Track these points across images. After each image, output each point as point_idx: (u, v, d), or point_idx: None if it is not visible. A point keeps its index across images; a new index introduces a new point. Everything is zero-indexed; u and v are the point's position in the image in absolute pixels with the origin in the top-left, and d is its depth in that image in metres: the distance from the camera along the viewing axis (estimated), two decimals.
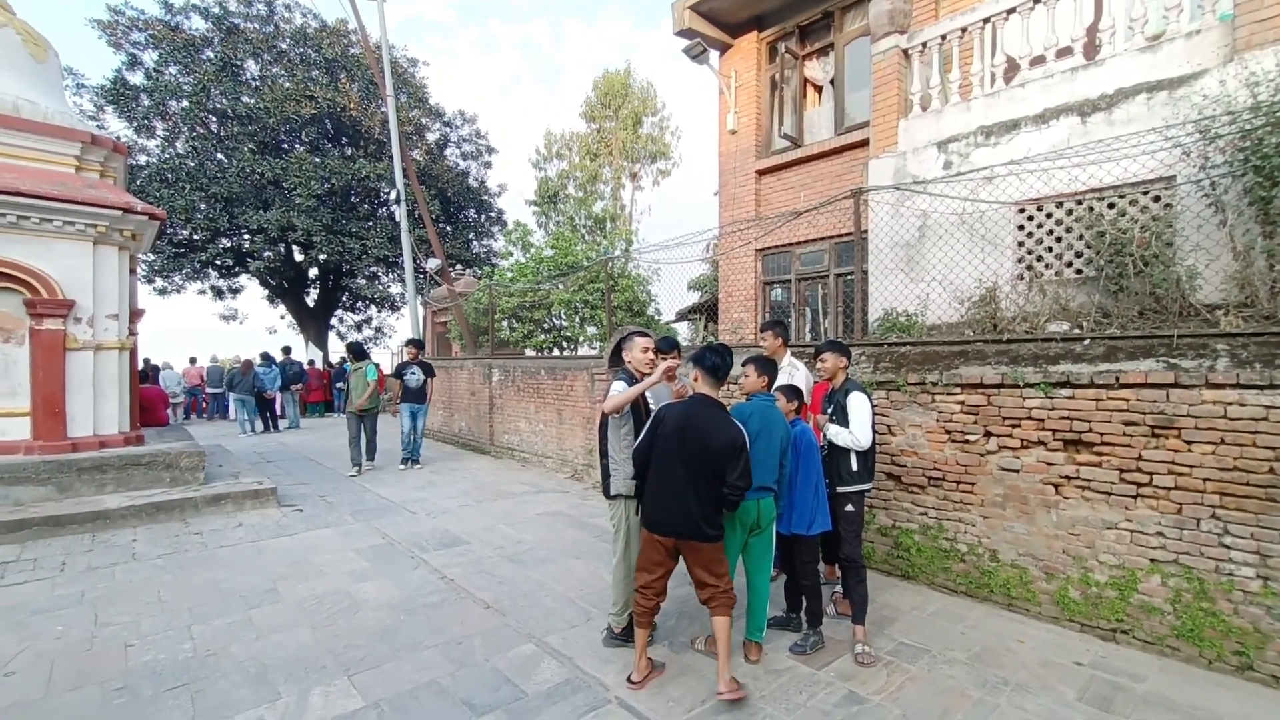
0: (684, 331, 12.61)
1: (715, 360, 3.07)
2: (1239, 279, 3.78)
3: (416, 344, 9.36)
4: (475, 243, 22.67)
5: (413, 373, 8.84)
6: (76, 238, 6.33)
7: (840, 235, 7.35)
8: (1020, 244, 5.24)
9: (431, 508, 6.67)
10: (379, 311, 23.61)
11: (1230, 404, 3.21)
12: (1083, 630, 3.69)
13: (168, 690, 3.03)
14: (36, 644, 3.49)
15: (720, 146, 9.34)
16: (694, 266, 10.09)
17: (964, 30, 5.86)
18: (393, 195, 13.54)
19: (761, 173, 8.75)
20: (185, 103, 17.05)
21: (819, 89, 8.62)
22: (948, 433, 4.33)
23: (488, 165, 23.32)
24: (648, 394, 4.58)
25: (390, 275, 21.51)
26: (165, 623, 3.79)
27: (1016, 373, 3.99)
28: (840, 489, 3.55)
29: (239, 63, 17.71)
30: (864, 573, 3.55)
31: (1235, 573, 3.20)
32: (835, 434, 3.57)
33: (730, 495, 2.97)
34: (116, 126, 16.80)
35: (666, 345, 4.37)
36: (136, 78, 16.98)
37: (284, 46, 18.56)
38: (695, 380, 3.12)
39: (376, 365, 8.95)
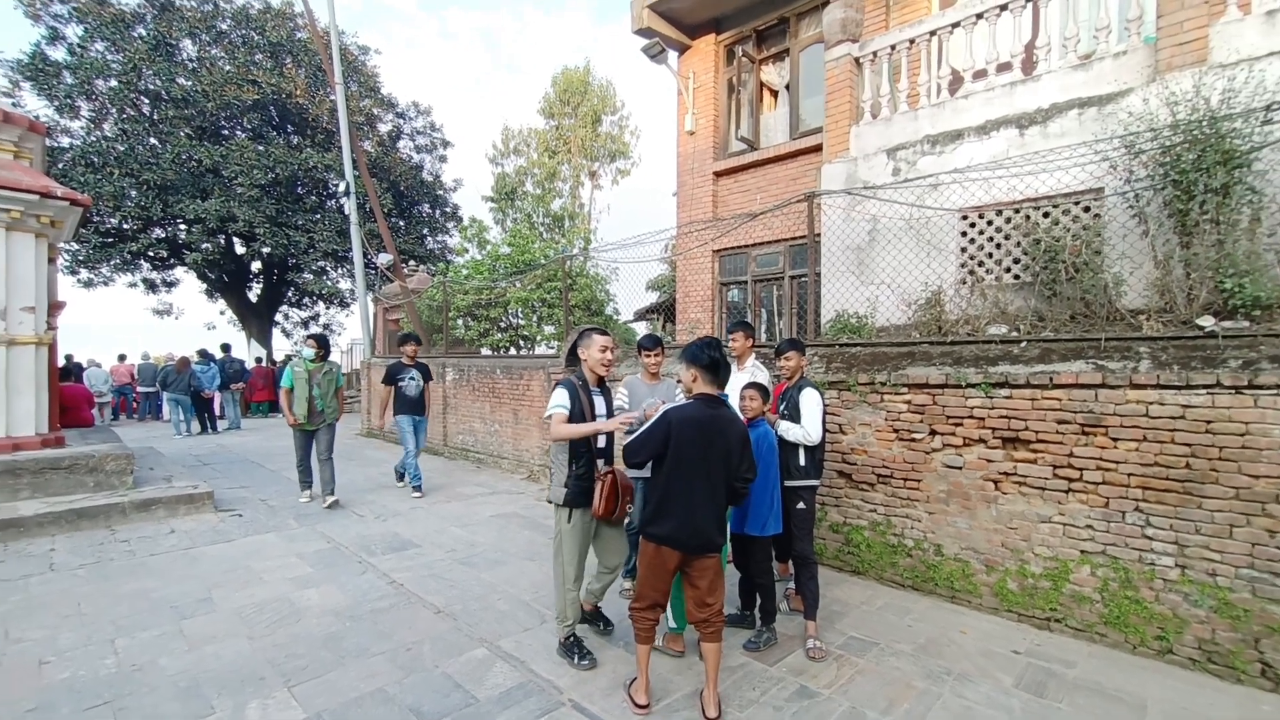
0: (641, 330, 12.62)
1: (715, 355, 2.86)
2: (1159, 286, 4.03)
3: (414, 340, 7.51)
4: (430, 238, 22.12)
5: (410, 377, 7.20)
6: None
7: (795, 238, 7.49)
8: (963, 249, 5.45)
9: (381, 510, 6.47)
10: (327, 308, 22.78)
11: (1151, 403, 3.42)
12: (1020, 620, 3.87)
13: (88, 709, 2.83)
14: None
15: (679, 147, 9.39)
16: (652, 266, 10.12)
17: (912, 42, 6.06)
18: (342, 187, 13.06)
19: (719, 174, 8.84)
20: (114, 82, 16.01)
21: (775, 93, 8.77)
22: (895, 431, 4.47)
23: (443, 159, 22.80)
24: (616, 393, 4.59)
25: (339, 270, 20.78)
26: (86, 636, 3.54)
27: (959, 373, 4.14)
28: (788, 483, 3.60)
29: (174, 42, 16.74)
30: (816, 569, 3.62)
31: (1156, 562, 3.41)
32: (786, 429, 3.63)
33: (741, 489, 2.90)
34: (35, 105, 15.66)
35: (651, 343, 4.22)
36: (58, 53, 15.85)
37: (224, 27, 17.66)
38: (694, 380, 2.90)
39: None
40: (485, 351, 12.99)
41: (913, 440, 4.38)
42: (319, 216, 18.54)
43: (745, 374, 4.31)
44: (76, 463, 5.99)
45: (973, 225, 5.41)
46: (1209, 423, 3.24)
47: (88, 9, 15.73)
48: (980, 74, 5.76)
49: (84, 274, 17.16)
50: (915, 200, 5.39)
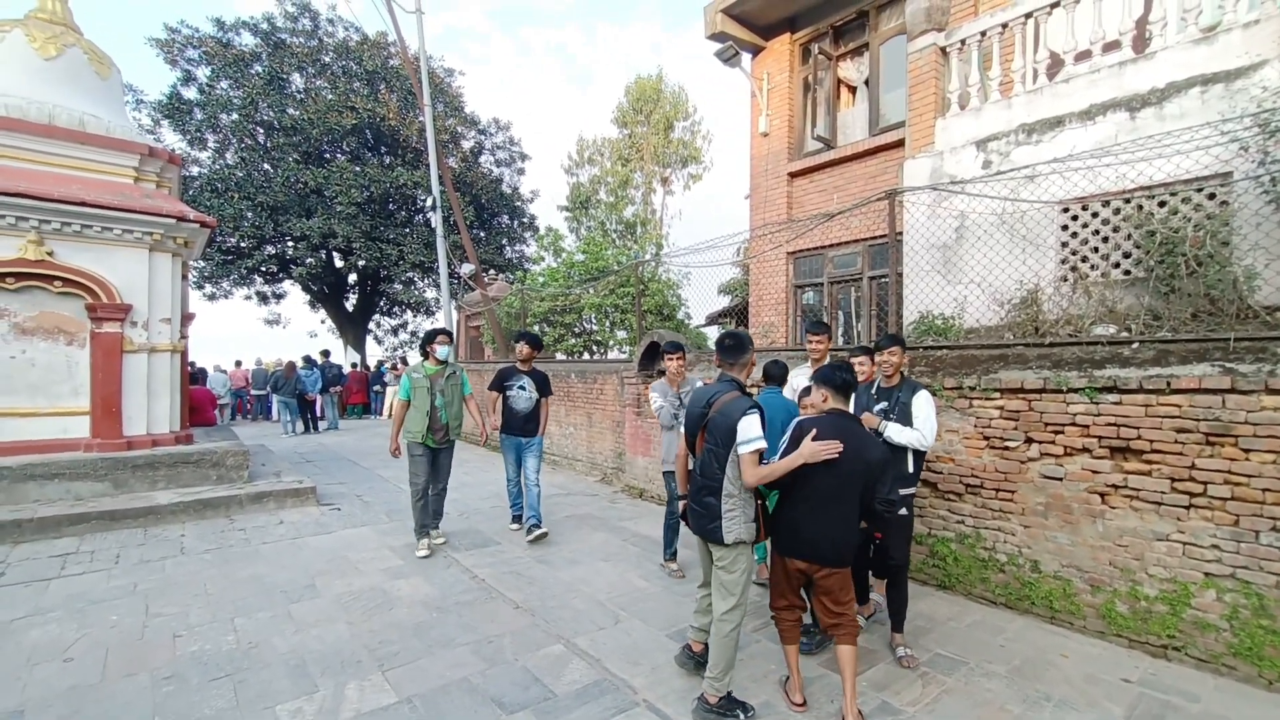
0: (713, 335, 12.54)
1: (846, 377, 2.89)
2: None
3: (529, 340, 5.74)
4: (508, 248, 23.01)
5: (521, 386, 5.59)
6: (134, 245, 6.67)
7: (874, 237, 7.23)
8: (1064, 244, 5.06)
9: (464, 508, 6.78)
10: (414, 316, 24.16)
11: None
12: (1131, 646, 3.53)
13: (212, 680, 3.15)
14: (93, 632, 3.66)
15: (752, 149, 9.29)
16: (724, 270, 10.04)
17: (1005, 26, 5.71)
18: (429, 202, 13.86)
19: (793, 175, 8.67)
20: (235, 115, 17.80)
21: (853, 90, 8.51)
22: (986, 439, 4.21)
23: (521, 172, 23.69)
24: (664, 397, 4.69)
25: (426, 280, 21.99)
26: (211, 615, 3.94)
27: (1060, 377, 3.85)
28: (899, 491, 3.47)
29: (285, 76, 18.42)
30: (907, 577, 3.51)
31: None
32: (897, 433, 3.46)
33: (885, 510, 2.89)
34: (171, 139, 17.66)
35: (673, 348, 4.59)
36: (190, 93, 17.82)
37: (327, 60, 19.22)
38: (825, 400, 2.91)
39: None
40: (560, 356, 13.34)
41: (1005, 449, 4.11)
42: (408, 230, 19.75)
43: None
44: (203, 458, 6.68)
45: (1075, 218, 5.01)
46: None
47: (215, 52, 17.60)
48: (1083, 55, 5.34)
49: (208, 288, 19.13)
50: (1009, 193, 5.06)
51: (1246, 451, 3.17)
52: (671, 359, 4.80)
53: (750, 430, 2.70)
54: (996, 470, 4.15)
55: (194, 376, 13.21)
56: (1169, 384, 3.42)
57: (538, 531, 5.49)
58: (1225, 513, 3.24)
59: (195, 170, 17.73)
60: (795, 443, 2.78)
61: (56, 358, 6.35)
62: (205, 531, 5.73)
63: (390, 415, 17.34)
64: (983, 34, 5.87)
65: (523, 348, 5.72)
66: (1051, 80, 5.44)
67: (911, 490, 3.55)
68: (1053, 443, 3.88)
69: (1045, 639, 3.67)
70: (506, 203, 22.64)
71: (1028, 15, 5.51)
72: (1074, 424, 3.79)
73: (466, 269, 14.26)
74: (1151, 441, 3.47)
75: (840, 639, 2.84)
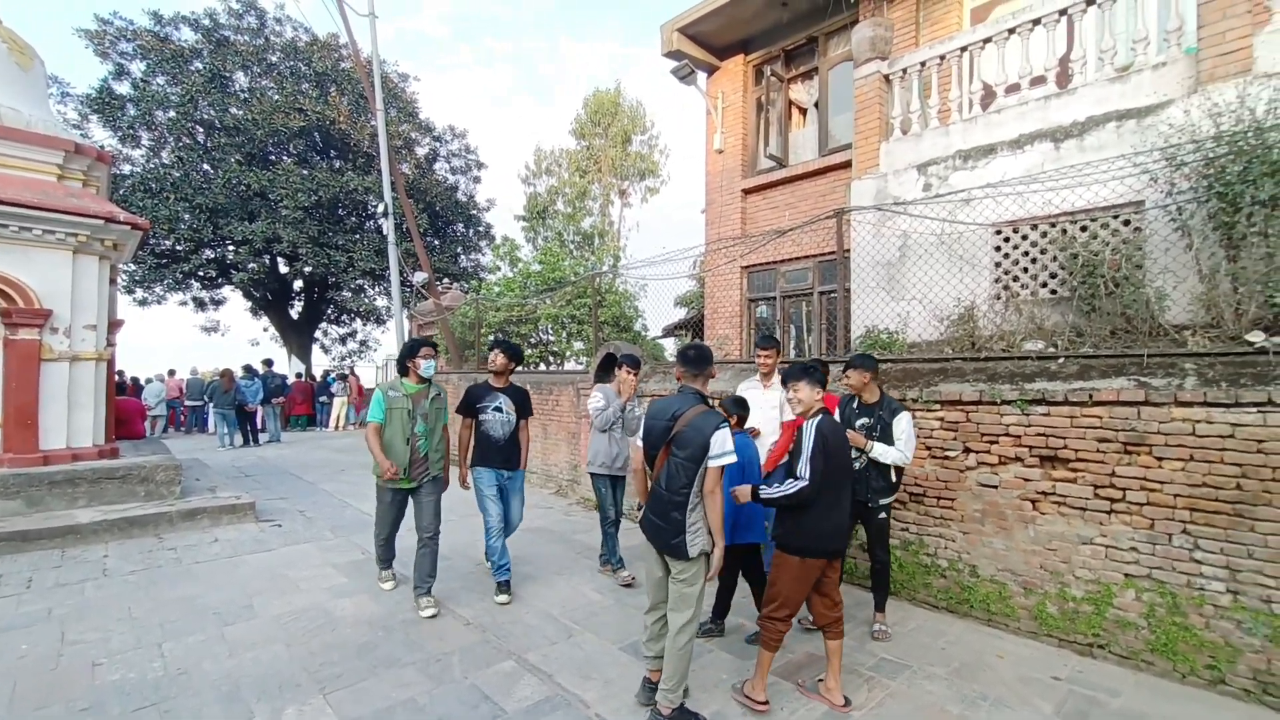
0: (670, 347, 12.66)
1: (823, 375, 3.15)
2: (1205, 300, 3.90)
3: (505, 350, 4.65)
4: (463, 257, 22.65)
5: (496, 407, 4.55)
6: (56, 247, 6.26)
7: (824, 254, 7.47)
8: (997, 264, 5.36)
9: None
10: (364, 325, 23.43)
11: (1198, 421, 3.30)
12: (1060, 645, 3.73)
13: (135, 710, 2.96)
14: None
15: (707, 165, 9.48)
16: (681, 283, 10.17)
17: (942, 58, 6.04)
18: (381, 208, 13.53)
19: (747, 191, 8.89)
20: (172, 113, 16.96)
21: (804, 111, 8.81)
22: (928, 449, 4.39)
23: (477, 180, 23.40)
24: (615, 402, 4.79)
25: (377, 288, 21.39)
26: (135, 640, 3.70)
27: (994, 390, 4.06)
28: (882, 500, 3.84)
29: (228, 75, 17.69)
30: (889, 570, 3.99)
31: (1206, 587, 3.26)
32: (883, 453, 3.76)
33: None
34: (101, 136, 16.67)
35: (630, 361, 4.75)
36: (123, 87, 16.88)
37: (274, 59, 18.58)
38: (819, 399, 3.06)
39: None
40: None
41: (946, 458, 4.29)
42: (358, 237, 19.19)
43: (773, 391, 4.30)
44: (129, 473, 6.28)
45: (1007, 240, 5.32)
46: (1261, 442, 3.11)
47: (150, 46, 16.76)
48: (1013, 88, 5.70)
49: (139, 293, 18.05)
50: (947, 215, 5.34)
51: (1160, 459, 3.42)
52: (629, 373, 4.83)
53: (724, 444, 2.75)
54: (938, 479, 4.33)
55: (121, 386, 12.42)
56: (1091, 396, 3.66)
57: (506, 596, 4.42)
58: (1142, 517, 3.48)
59: (127, 169, 16.77)
60: (825, 450, 2.91)
61: None
62: (130, 551, 5.38)
63: (338, 428, 16.72)
64: (922, 64, 6.20)
65: (497, 358, 4.60)
66: (985, 110, 5.79)
67: (892, 499, 3.90)
68: (988, 452, 4.09)
69: (983, 641, 3.84)
70: (462, 211, 22.31)
71: (963, 49, 5.85)
72: (1007, 434, 4.00)
73: (419, 277, 13.97)
74: (1077, 451, 3.70)
75: (832, 635, 3.08)
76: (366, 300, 21.43)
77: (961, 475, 4.21)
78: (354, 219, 19.91)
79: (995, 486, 4.05)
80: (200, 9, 17.84)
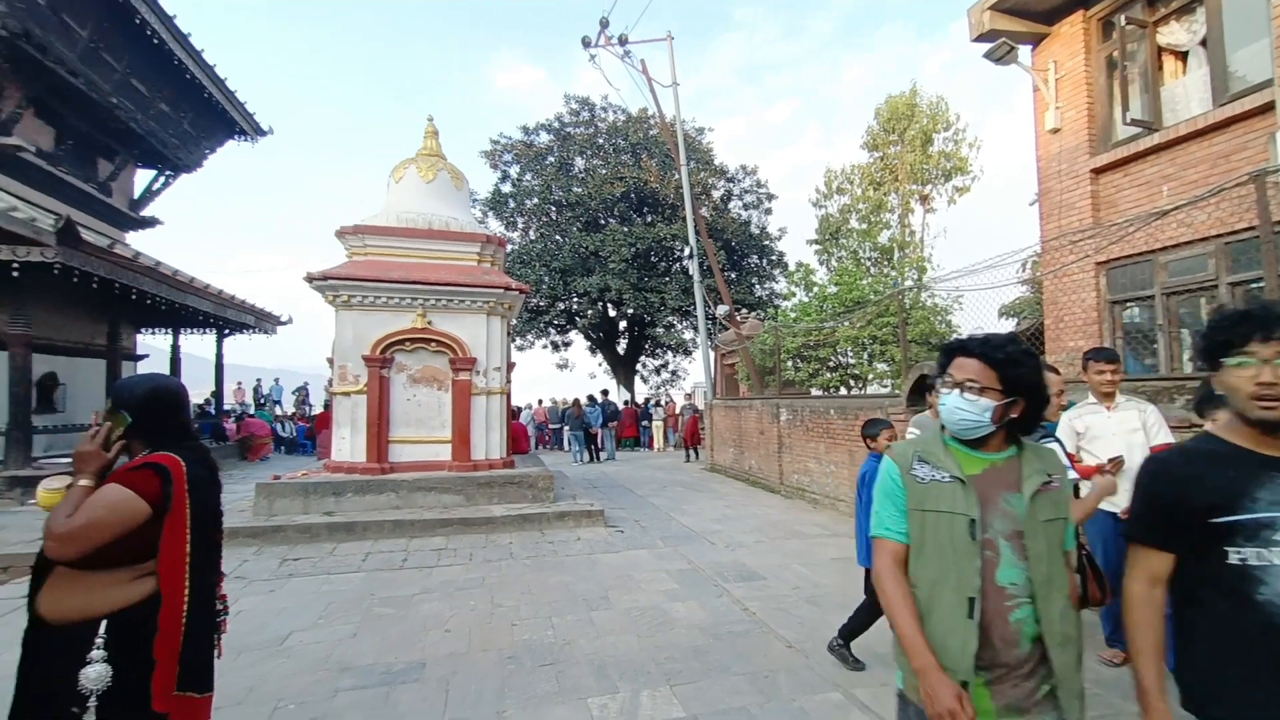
0: None
1: None
2: None
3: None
4: (758, 286, 23.57)
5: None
6: (476, 311, 8.69)
7: (1232, 233, 5.63)
8: None
9: (729, 540, 7.04)
10: (674, 356, 26.10)
11: None
12: None
13: (541, 665, 3.85)
14: (460, 613, 4.77)
15: (1038, 149, 8.08)
16: (1004, 291, 8.81)
17: None
18: (687, 251, 15.07)
19: (1099, 171, 7.27)
20: (535, 200, 21.96)
21: (1181, 57, 6.86)
22: None
23: (768, 212, 24.26)
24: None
25: (684, 323, 23.69)
26: (534, 611, 4.81)
27: None
28: None
29: (570, 161, 22.18)
30: None
31: None
32: None
33: None
34: (495, 226, 22.51)
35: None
36: (505, 187, 22.58)
37: (601, 141, 22.58)
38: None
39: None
40: (815, 391, 13.04)
41: None
42: (667, 279, 21.70)
43: (1122, 411, 3.51)
44: (522, 480, 8.21)
45: None
46: None
47: (521, 152, 22.12)
48: None
49: (518, 341, 23.54)
50: None
51: None
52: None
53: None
54: None
55: (513, 413, 16.31)
56: None
57: None
58: None
59: (510, 247, 22.26)
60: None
61: (432, 399, 8.54)
62: (525, 541, 7.01)
63: (659, 449, 18.92)
64: None
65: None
66: None
67: None
68: None
69: None
70: (755, 243, 23.34)
71: None
72: None
73: (721, 310, 15.04)
74: None
75: None
76: (676, 334, 23.89)
77: None
78: (663, 264, 22.59)
79: None
80: (551, 114, 22.84)
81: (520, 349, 23.63)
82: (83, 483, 1.68)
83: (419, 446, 8.41)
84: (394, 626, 4.49)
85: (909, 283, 14.48)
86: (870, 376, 12.76)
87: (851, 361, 13.03)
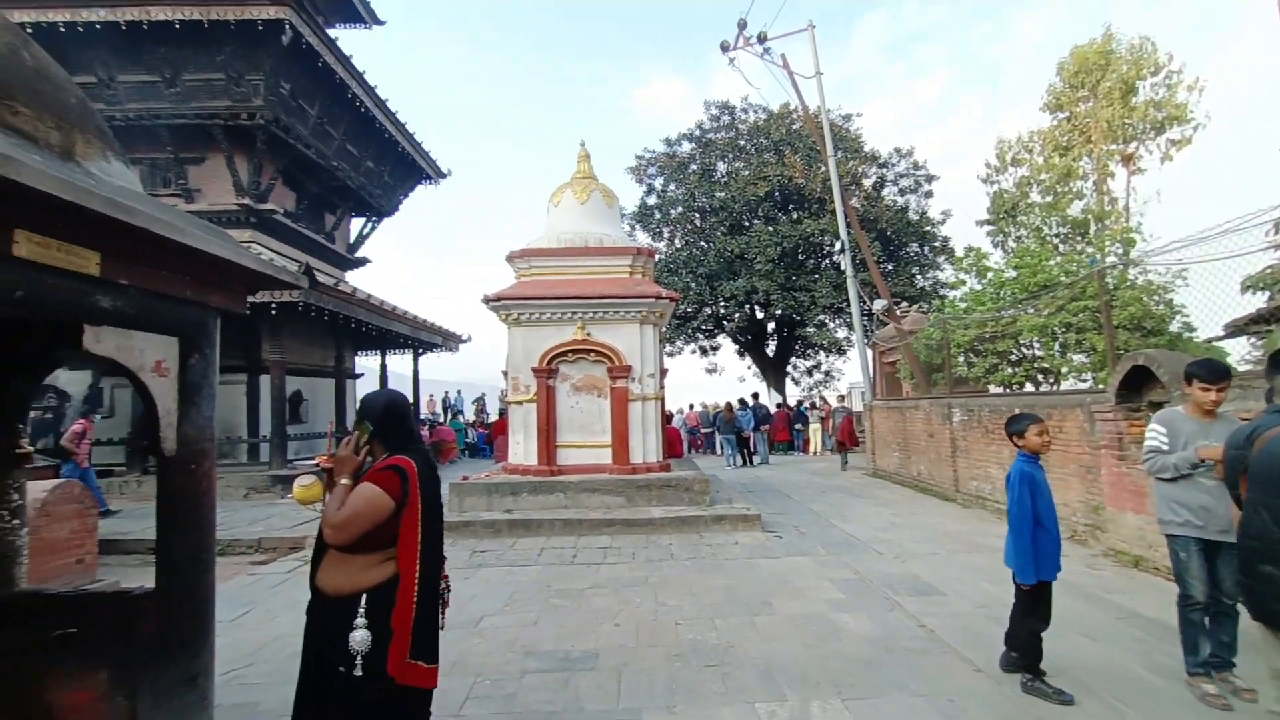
0: (1239, 350, 9.01)
1: None
2: None
3: None
4: (919, 276, 21.72)
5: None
6: (630, 321, 9.10)
7: None
8: None
9: (899, 550, 6.61)
10: (827, 356, 24.96)
11: None
12: None
13: (706, 666, 3.93)
14: (626, 608, 5.04)
15: None
16: (1246, 262, 7.26)
17: None
18: (837, 246, 14.41)
19: None
20: (680, 208, 22.39)
21: None
22: None
23: (928, 195, 22.31)
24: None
25: (837, 321, 22.58)
26: (697, 611, 4.92)
27: None
28: None
29: (712, 166, 22.29)
30: None
31: None
32: None
33: None
34: (643, 238, 23.35)
35: (1209, 372, 3.43)
36: (651, 199, 23.30)
37: (742, 143, 22.39)
38: None
39: None
40: (993, 389, 11.71)
41: None
42: (817, 276, 20.84)
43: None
44: (678, 483, 8.43)
45: None
46: None
47: (664, 164, 22.70)
48: None
49: (668, 348, 24.10)
50: None
51: None
52: (1204, 389, 3.45)
53: None
54: None
55: (666, 418, 16.74)
56: None
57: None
58: None
59: (657, 258, 22.95)
60: None
61: (592, 406, 9.09)
62: (684, 543, 7.18)
63: (815, 453, 18.23)
64: None
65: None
66: None
67: None
68: None
69: None
70: (914, 230, 21.56)
71: None
72: None
73: (878, 304, 14.12)
74: None
75: None
76: (828, 333, 22.84)
77: None
78: (812, 261, 21.75)
79: None
80: (692, 123, 23.16)
81: (670, 355, 24.15)
82: (344, 482, 2.10)
83: (583, 450, 8.99)
84: (569, 617, 4.87)
85: (1111, 259, 12.43)
86: (1064, 369, 11.15)
87: (1039, 354, 11.49)
